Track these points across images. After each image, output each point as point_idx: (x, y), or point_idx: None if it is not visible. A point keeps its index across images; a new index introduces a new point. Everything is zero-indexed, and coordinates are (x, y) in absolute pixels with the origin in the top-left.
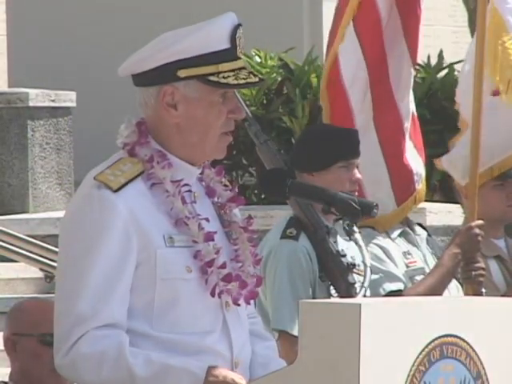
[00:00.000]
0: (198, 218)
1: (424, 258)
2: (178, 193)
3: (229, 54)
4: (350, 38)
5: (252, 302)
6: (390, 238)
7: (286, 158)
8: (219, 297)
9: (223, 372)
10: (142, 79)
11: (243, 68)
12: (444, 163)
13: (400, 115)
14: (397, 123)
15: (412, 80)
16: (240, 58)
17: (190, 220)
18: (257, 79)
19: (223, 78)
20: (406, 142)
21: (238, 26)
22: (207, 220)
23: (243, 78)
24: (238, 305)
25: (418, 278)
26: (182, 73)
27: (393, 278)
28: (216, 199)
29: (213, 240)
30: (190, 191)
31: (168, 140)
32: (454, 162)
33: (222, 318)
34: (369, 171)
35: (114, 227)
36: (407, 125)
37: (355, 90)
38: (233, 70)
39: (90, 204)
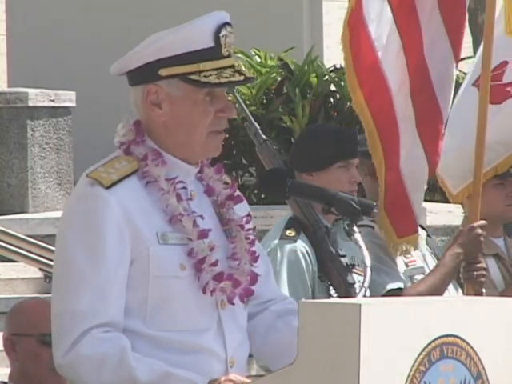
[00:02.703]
0: (192, 215)
1: (423, 258)
2: (172, 190)
3: (212, 53)
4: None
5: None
6: None
7: (284, 158)
8: (211, 295)
9: (224, 377)
10: (130, 78)
11: (230, 67)
12: (438, 170)
13: (442, 120)
14: (439, 131)
15: (454, 79)
16: (226, 57)
17: (184, 217)
18: (242, 78)
19: (204, 76)
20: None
21: (224, 24)
22: (202, 217)
23: (226, 77)
24: (233, 304)
25: (418, 277)
26: (163, 71)
27: (392, 276)
28: (215, 197)
29: (206, 237)
30: (185, 188)
31: (160, 139)
32: (446, 168)
33: (217, 317)
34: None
35: (108, 224)
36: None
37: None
38: (216, 69)
39: (83, 202)
